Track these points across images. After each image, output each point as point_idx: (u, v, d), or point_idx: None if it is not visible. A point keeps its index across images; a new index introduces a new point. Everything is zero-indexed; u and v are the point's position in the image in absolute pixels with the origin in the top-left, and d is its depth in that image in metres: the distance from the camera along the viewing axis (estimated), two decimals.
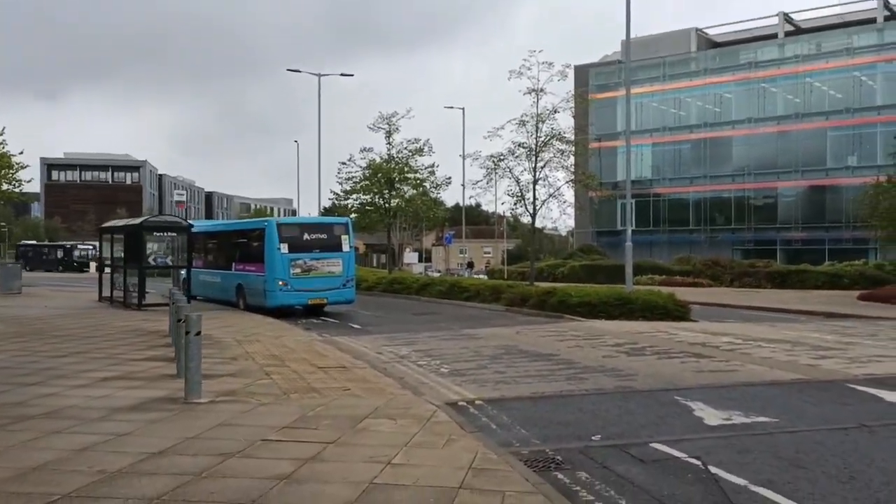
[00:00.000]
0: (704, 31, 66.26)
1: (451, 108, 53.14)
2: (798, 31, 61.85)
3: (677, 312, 20.52)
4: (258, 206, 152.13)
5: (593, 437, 7.75)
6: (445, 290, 28.47)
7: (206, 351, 13.63)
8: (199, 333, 9.08)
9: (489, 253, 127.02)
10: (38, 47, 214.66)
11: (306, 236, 23.10)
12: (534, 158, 25.80)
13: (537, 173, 25.97)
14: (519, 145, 26.22)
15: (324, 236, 23.37)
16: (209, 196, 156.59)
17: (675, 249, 59.77)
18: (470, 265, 54.09)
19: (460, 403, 9.48)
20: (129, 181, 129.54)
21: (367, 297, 31.19)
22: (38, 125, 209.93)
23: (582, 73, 64.44)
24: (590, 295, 20.84)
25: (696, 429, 8.10)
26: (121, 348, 14.02)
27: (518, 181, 26.50)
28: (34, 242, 77.92)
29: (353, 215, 35.94)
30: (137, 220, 23.23)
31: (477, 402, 9.59)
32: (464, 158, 39.21)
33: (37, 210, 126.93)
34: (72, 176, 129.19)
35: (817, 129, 56.97)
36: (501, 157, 26.27)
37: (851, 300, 30.24)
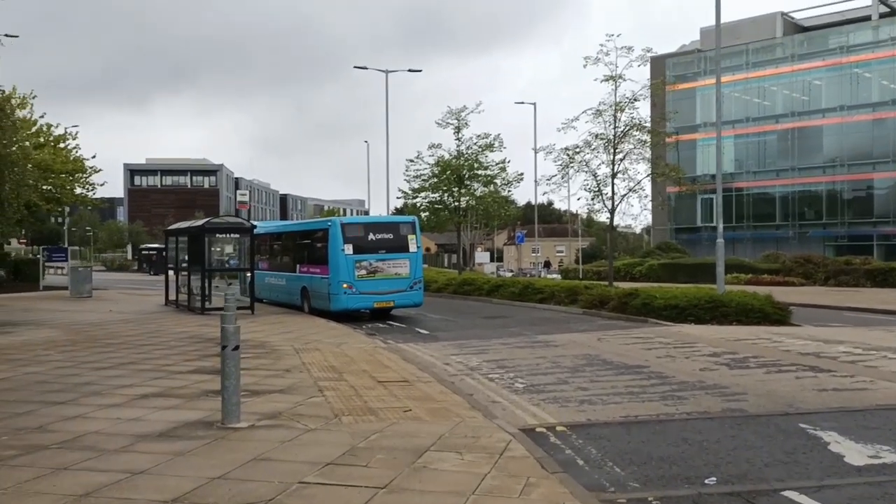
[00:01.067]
0: (790, 15, 62.75)
1: (522, 103, 51.30)
2: (893, 12, 57.73)
3: (776, 316, 18.55)
4: (330, 208, 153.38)
5: (707, 481, 6.22)
6: (518, 292, 26.99)
7: (259, 361, 12.60)
8: (236, 348, 7.92)
9: (562, 252, 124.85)
10: (126, 55, 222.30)
11: (371, 236, 22.00)
12: (612, 150, 24.06)
13: (616, 166, 24.24)
14: (596, 136, 24.55)
15: (390, 236, 22.22)
16: (283, 198, 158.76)
17: (759, 247, 56.71)
18: (546, 264, 52.32)
19: (539, 430, 8.07)
20: (206, 185, 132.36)
21: (436, 299, 29.97)
22: (123, 132, 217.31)
23: (658, 64, 61.65)
24: (677, 297, 19.04)
25: (838, 470, 6.47)
26: (172, 358, 13.09)
27: (595, 175, 24.82)
28: (156, 246, 78.86)
29: (422, 214, 34.79)
30: (200, 222, 22.59)
31: (558, 427, 8.15)
32: (535, 152, 37.47)
33: (121, 215, 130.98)
34: (153, 181, 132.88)
35: None
36: (577, 150, 24.63)
37: None
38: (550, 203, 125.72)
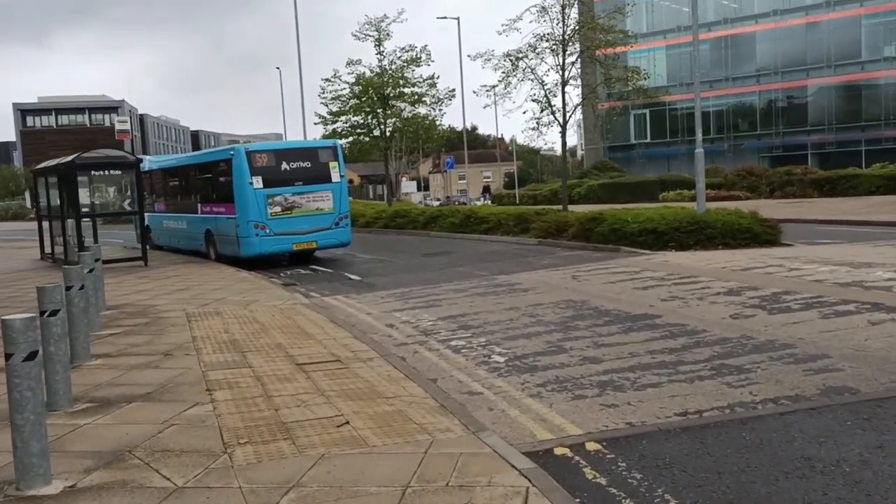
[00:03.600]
0: None
1: (445, 18, 46.74)
2: None
3: (766, 236, 15.95)
4: (246, 142, 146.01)
5: None
6: (459, 223, 23.79)
7: (130, 340, 9.09)
8: (30, 357, 4.47)
9: (489, 178, 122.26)
10: None
11: (285, 165, 18.31)
12: (561, 53, 20.75)
13: (566, 72, 21.00)
14: (542, 38, 21.13)
15: (307, 164, 18.57)
16: (195, 135, 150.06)
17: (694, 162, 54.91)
18: (486, 190, 48.84)
19: (560, 452, 4.96)
20: (107, 123, 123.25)
21: (365, 235, 26.56)
22: (18, 70, 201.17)
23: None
24: (653, 220, 16.15)
25: None
26: None
27: (543, 83, 21.53)
28: None
29: (343, 141, 30.93)
30: (69, 158, 18.40)
31: (590, 445, 5.06)
32: (471, 60, 33.73)
33: (18, 160, 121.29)
34: (48, 121, 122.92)
35: (851, 17, 51.30)
36: (521, 55, 21.18)
37: None
38: (475, 128, 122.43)
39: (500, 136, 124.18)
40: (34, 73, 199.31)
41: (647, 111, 58.00)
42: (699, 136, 17.38)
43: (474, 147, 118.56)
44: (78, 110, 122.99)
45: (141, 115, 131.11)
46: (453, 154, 78.91)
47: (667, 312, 9.30)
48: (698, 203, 16.81)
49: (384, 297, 12.50)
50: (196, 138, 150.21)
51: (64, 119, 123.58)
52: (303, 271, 17.56)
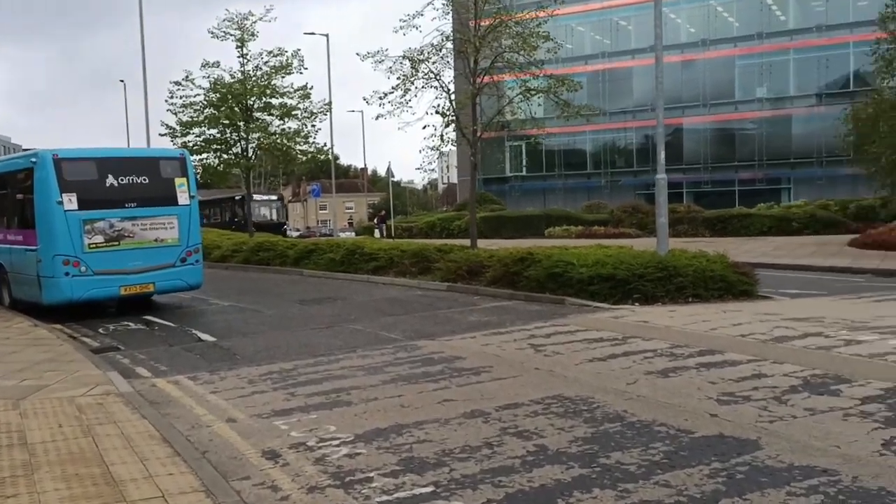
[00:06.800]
0: None
1: (313, 34, 42.62)
2: None
3: (742, 286, 12.71)
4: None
5: None
6: (340, 259, 19.34)
7: None
8: None
9: (351, 209, 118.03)
10: None
11: (112, 180, 13.39)
12: (474, 55, 17.02)
13: (479, 79, 17.27)
14: (447, 38, 17.37)
15: (144, 180, 13.73)
16: None
17: (572, 197, 53.15)
18: (382, 220, 43.70)
19: None
20: None
21: (220, 272, 21.65)
22: None
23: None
24: (606, 263, 12.46)
25: None
26: None
27: (449, 92, 17.71)
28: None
29: (195, 158, 25.83)
30: None
31: None
32: (328, 90, 29.17)
33: None
34: None
35: (725, 57, 51.43)
36: (423, 57, 17.24)
37: (840, 247, 24.00)
38: (337, 157, 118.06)
39: (363, 166, 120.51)
40: None
41: (522, 143, 55.92)
42: (661, 157, 13.99)
43: (336, 176, 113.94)
44: None
45: None
46: (318, 182, 74.23)
47: (751, 427, 5.49)
48: (659, 243, 13.36)
49: (255, 381, 8.05)
50: None
51: None
52: (133, 325, 12.69)
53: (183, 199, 14.03)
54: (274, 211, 52.12)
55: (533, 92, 17.83)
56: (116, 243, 13.25)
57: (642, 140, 54.70)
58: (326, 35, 42.53)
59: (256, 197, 49.23)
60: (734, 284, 12.60)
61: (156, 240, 13.66)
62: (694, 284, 12.26)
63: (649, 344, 8.81)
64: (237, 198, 47.50)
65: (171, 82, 25.17)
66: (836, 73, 49.45)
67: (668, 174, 13.80)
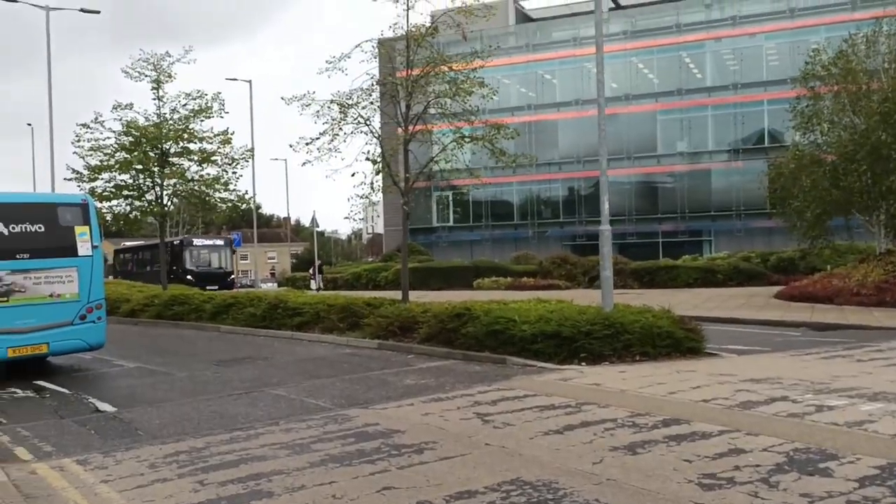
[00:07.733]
0: (520, 3, 60.08)
1: (235, 80, 41.41)
2: (619, 6, 57.31)
3: (690, 343, 12.08)
4: None
5: None
6: (262, 314, 18.01)
7: None
8: None
9: (274, 259, 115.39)
10: None
11: (1, 228, 11.96)
12: (406, 99, 16.27)
13: (412, 125, 16.51)
14: (377, 82, 16.61)
15: (39, 228, 12.32)
16: None
17: (499, 248, 52.89)
18: (319, 270, 41.72)
19: None
20: None
21: (129, 328, 20.00)
22: None
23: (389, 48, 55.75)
24: (550, 320, 11.65)
25: None
26: None
27: (379, 138, 16.85)
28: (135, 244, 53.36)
29: (104, 205, 24.17)
30: None
31: None
32: (252, 119, 27.97)
33: None
34: None
35: (647, 112, 52.57)
36: (352, 102, 16.39)
37: (767, 299, 24.10)
38: (259, 206, 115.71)
39: (286, 215, 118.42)
40: None
41: (450, 193, 55.66)
42: (605, 209, 13.42)
43: (258, 226, 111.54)
44: None
45: None
46: (239, 231, 72.04)
47: None
48: (604, 297, 12.65)
49: (157, 464, 6.81)
50: None
51: None
52: (20, 392, 11.15)
53: (84, 249, 12.64)
54: (221, 258, 45.21)
55: (468, 139, 17.04)
56: (5, 299, 11.75)
57: (567, 192, 55.14)
58: (249, 81, 41.60)
59: (197, 242, 44.91)
60: (682, 341, 11.96)
61: (51, 295, 12.21)
62: (641, 342, 11.55)
63: (607, 412, 7.96)
64: (175, 243, 42.55)
65: (77, 124, 23.56)
66: (751, 129, 51.13)
67: (591, 226, 13.32)
